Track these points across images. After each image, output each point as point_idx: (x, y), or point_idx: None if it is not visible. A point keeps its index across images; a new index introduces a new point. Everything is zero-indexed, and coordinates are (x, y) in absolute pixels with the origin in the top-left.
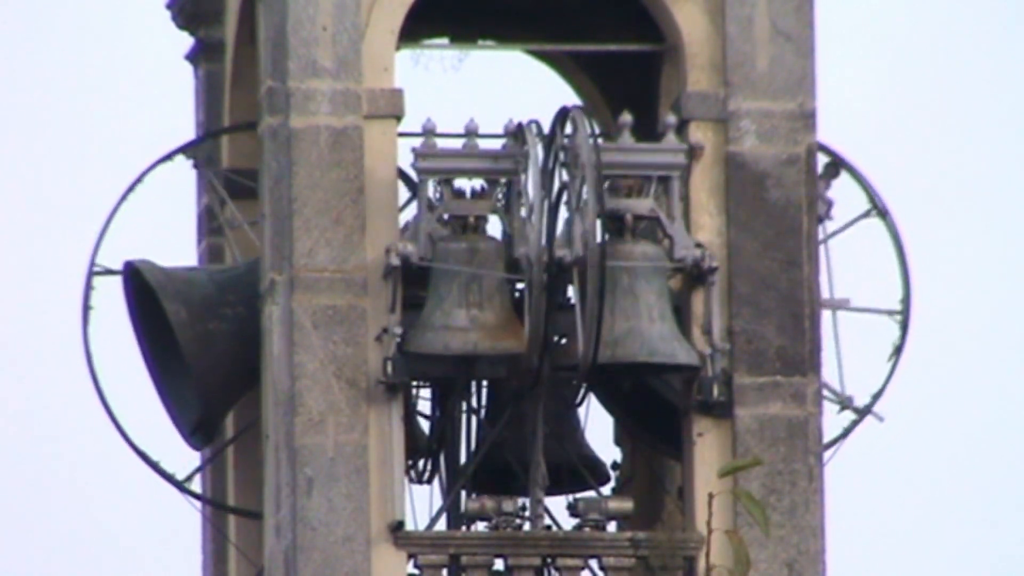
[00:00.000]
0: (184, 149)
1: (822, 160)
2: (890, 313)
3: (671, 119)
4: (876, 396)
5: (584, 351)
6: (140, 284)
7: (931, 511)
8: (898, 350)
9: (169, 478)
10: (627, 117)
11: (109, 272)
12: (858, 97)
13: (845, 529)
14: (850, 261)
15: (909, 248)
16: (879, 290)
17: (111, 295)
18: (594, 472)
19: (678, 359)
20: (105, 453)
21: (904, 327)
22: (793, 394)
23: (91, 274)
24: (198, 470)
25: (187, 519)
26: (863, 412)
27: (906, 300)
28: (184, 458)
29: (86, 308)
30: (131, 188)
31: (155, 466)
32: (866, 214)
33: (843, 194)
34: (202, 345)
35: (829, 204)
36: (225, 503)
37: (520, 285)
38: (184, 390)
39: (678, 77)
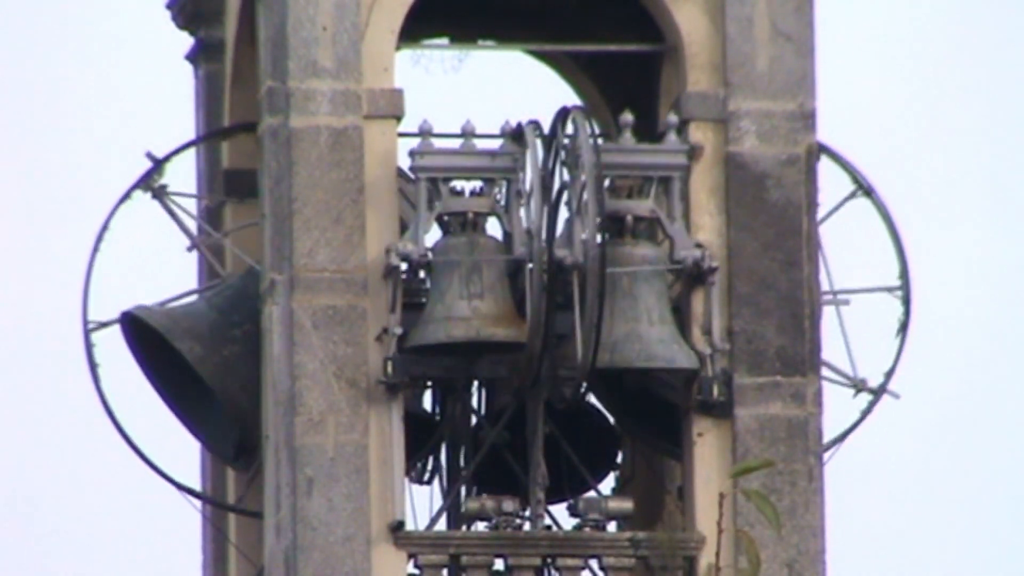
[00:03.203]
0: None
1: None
2: (890, 290)
3: (672, 119)
4: (889, 374)
5: (583, 355)
6: (140, 328)
7: (932, 511)
8: (904, 325)
9: (200, 496)
10: (628, 117)
11: (104, 325)
12: (858, 97)
13: (845, 529)
14: (843, 247)
15: (901, 223)
16: (877, 270)
17: (113, 345)
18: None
19: (676, 363)
20: (105, 453)
21: (906, 301)
22: (793, 394)
23: (87, 332)
24: (246, 492)
25: (187, 519)
26: (879, 391)
27: (904, 274)
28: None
29: (93, 367)
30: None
31: (193, 492)
32: (852, 195)
33: (827, 180)
34: (223, 373)
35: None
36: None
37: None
38: (215, 419)
39: (678, 77)
